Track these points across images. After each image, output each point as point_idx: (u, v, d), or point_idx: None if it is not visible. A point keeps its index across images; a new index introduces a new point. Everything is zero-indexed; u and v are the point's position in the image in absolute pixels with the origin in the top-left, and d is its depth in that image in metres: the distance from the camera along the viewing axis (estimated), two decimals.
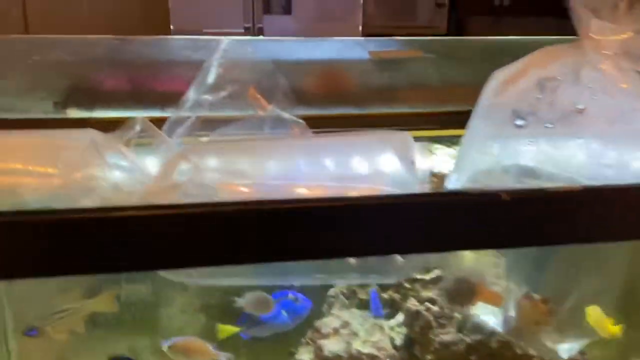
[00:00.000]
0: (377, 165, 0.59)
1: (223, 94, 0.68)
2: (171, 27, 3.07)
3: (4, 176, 0.49)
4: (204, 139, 0.68)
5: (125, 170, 0.57)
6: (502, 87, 0.59)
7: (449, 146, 0.82)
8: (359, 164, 0.59)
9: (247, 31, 3.20)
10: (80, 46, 0.84)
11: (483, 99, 0.62)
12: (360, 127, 0.73)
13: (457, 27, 3.60)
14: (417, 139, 0.62)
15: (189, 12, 3.10)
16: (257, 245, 0.44)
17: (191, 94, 0.67)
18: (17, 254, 0.40)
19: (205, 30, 3.14)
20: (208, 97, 0.68)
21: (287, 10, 3.22)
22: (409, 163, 0.60)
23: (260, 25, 3.21)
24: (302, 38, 0.77)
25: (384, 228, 0.44)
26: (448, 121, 0.83)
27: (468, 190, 0.49)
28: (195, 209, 0.43)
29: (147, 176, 0.57)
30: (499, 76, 0.62)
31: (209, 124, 0.68)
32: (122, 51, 0.88)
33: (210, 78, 0.67)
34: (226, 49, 0.66)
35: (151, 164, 0.62)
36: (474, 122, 0.64)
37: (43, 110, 0.73)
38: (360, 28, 3.31)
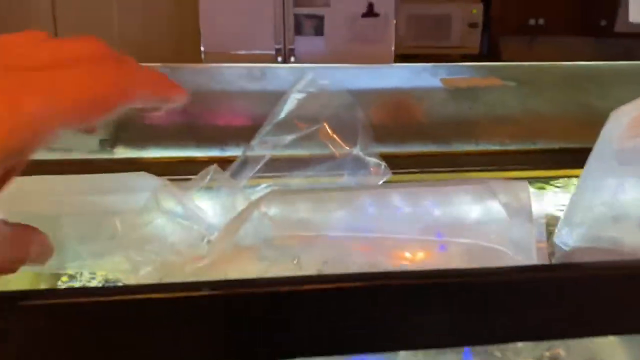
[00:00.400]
0: (488, 217, 0.50)
1: (296, 131, 0.59)
2: (202, 48, 3.03)
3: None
4: (273, 185, 0.59)
5: (188, 228, 0.48)
6: (633, 130, 0.49)
7: (541, 188, 0.72)
8: (467, 215, 0.50)
9: (278, 52, 3.14)
10: None
11: (605, 141, 0.52)
12: (443, 167, 0.63)
13: (490, 48, 3.51)
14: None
15: (220, 34, 3.06)
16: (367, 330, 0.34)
17: (262, 132, 0.58)
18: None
19: (236, 52, 3.09)
20: (280, 135, 0.59)
21: (318, 31, 3.17)
22: (525, 216, 0.50)
23: (291, 46, 3.16)
24: (365, 65, 0.68)
25: (533, 309, 0.34)
26: (539, 160, 0.73)
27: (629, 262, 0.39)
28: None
29: (216, 235, 0.48)
30: (624, 115, 0.52)
31: (280, 166, 0.59)
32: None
33: (284, 113, 0.58)
34: (304, 79, 0.58)
35: (217, 214, 0.53)
36: (594, 167, 0.54)
37: (88, 149, 0.65)
38: (393, 49, 3.24)
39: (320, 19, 3.16)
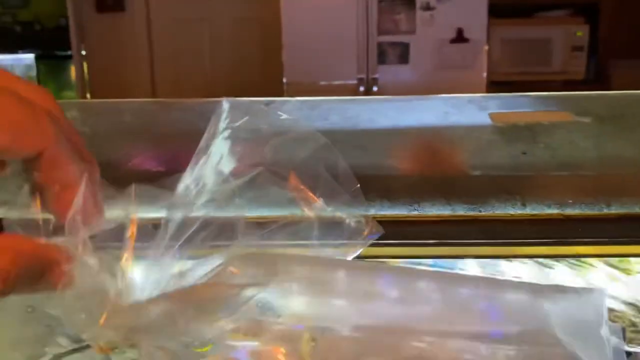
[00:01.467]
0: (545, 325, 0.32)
1: (246, 182, 0.43)
2: (284, 80, 2.96)
3: None
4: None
5: None
6: None
7: (618, 271, 0.51)
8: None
9: (361, 82, 3.01)
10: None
11: None
12: (470, 239, 0.43)
13: (597, 73, 3.20)
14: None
15: (303, 65, 2.98)
16: None
17: (192, 182, 0.42)
18: None
19: (319, 83, 3.00)
20: (222, 187, 0.43)
21: (403, 59, 3.00)
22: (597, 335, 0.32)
23: (374, 76, 3.02)
24: (384, 97, 0.50)
25: None
26: (615, 232, 0.52)
27: None
28: None
29: None
30: None
31: (224, 230, 0.43)
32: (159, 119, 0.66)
33: (223, 158, 0.42)
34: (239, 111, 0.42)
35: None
36: None
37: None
38: (485, 75, 3.01)
39: (405, 46, 3.00)
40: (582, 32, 3.15)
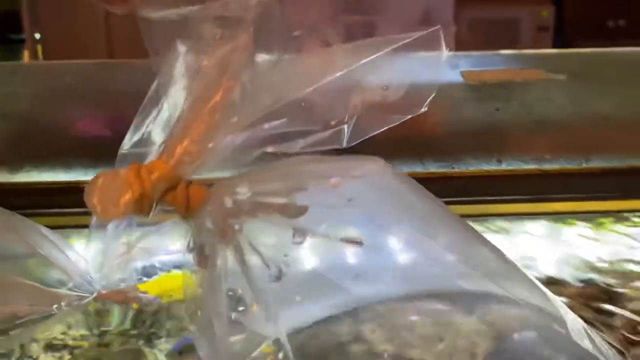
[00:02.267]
0: None
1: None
2: None
3: None
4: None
5: None
6: None
7: (601, 228, 0.48)
8: None
9: None
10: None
11: None
12: (446, 197, 0.41)
13: None
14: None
15: None
16: None
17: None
18: None
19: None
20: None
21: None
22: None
23: None
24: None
25: None
26: (596, 186, 0.49)
27: None
28: None
29: None
30: None
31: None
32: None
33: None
34: None
35: None
36: None
37: None
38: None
39: (370, 26, 2.97)
40: (547, 12, 3.16)
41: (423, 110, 0.40)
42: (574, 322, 0.33)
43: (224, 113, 0.34)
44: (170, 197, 0.31)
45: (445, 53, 0.41)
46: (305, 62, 0.39)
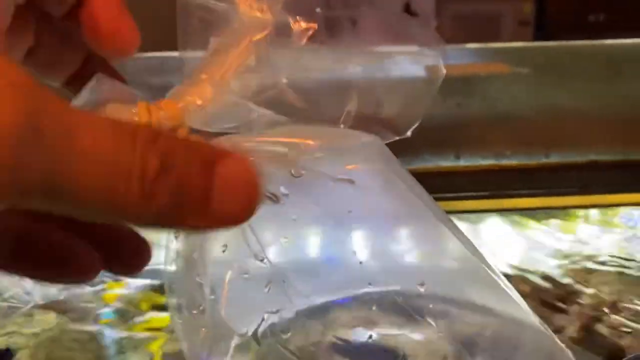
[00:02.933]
0: None
1: None
2: None
3: None
4: None
5: None
6: None
7: (565, 222, 0.47)
8: None
9: None
10: None
11: None
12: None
13: None
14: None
15: None
16: None
17: None
18: None
19: None
20: None
21: None
22: None
23: None
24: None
25: None
26: (556, 181, 0.48)
27: None
28: None
29: None
30: None
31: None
32: None
33: None
34: None
35: None
36: None
37: None
38: None
39: (351, 20, 2.95)
40: (529, 8, 3.16)
41: (407, 135, 0.39)
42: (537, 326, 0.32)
43: (238, 73, 0.33)
44: None
45: (441, 76, 0.40)
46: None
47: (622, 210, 0.47)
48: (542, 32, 3.30)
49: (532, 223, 0.48)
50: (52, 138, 0.17)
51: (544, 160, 0.47)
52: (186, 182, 0.19)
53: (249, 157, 0.21)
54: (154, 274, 0.40)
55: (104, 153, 0.18)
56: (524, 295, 0.42)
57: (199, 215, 0.19)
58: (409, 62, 0.37)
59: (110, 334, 0.40)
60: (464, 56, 0.65)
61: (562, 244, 0.46)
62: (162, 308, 0.42)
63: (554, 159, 0.47)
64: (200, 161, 0.19)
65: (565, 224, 0.47)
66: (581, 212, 0.47)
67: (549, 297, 0.41)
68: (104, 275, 0.44)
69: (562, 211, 0.47)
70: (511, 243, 0.46)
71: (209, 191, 0.19)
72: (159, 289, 0.42)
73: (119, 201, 0.18)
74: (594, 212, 0.47)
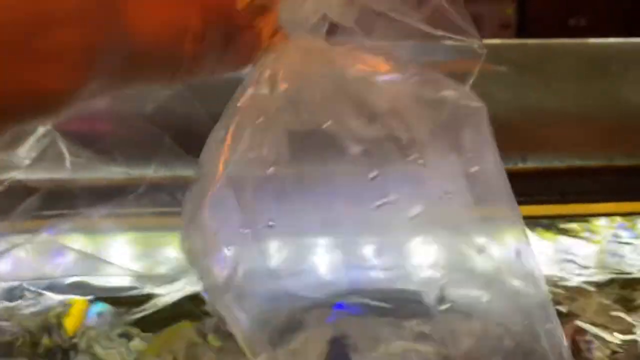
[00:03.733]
0: None
1: None
2: None
3: None
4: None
5: None
6: None
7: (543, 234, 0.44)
8: None
9: None
10: None
11: None
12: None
13: None
14: None
15: None
16: None
17: None
18: None
19: None
20: None
21: (331, 32, 2.93)
22: None
23: None
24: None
25: None
26: (534, 188, 0.45)
27: None
28: None
29: None
30: None
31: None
32: None
33: None
34: None
35: None
36: None
37: None
38: None
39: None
40: (510, 10, 3.16)
41: None
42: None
43: None
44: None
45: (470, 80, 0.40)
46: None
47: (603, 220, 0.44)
48: (523, 34, 3.29)
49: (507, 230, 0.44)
50: None
51: (520, 165, 0.44)
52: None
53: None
54: None
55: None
56: None
57: None
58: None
59: None
60: (438, 53, 0.61)
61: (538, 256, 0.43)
62: None
63: (532, 164, 0.44)
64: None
65: (541, 234, 0.43)
66: (558, 221, 0.43)
67: None
68: None
69: (536, 220, 0.43)
70: None
71: None
72: None
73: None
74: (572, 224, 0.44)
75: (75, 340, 0.37)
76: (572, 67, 0.58)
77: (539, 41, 0.60)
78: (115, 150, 0.36)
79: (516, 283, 0.34)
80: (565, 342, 0.31)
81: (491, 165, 0.37)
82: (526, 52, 0.60)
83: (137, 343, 0.37)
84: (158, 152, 0.34)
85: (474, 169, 0.34)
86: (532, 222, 0.43)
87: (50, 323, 0.37)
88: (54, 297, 0.38)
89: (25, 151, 0.35)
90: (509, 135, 0.50)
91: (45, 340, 0.36)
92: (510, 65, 0.57)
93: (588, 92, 0.53)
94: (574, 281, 0.41)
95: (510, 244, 0.34)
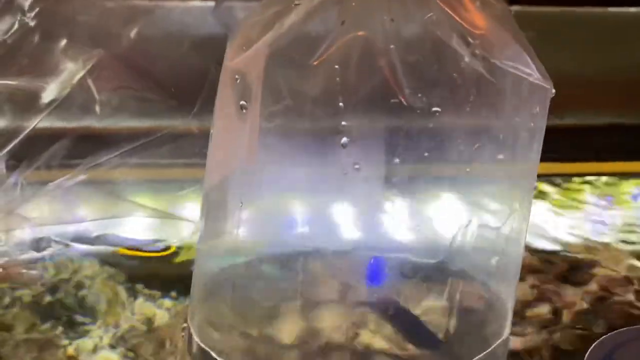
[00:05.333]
0: None
1: None
2: None
3: None
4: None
5: None
6: None
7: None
8: None
9: None
10: None
11: None
12: None
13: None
14: None
15: None
16: None
17: None
18: None
19: None
20: None
21: None
22: None
23: None
24: None
25: None
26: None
27: None
28: None
29: None
30: None
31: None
32: None
33: None
34: None
35: None
36: None
37: None
38: None
39: None
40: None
41: None
42: None
43: None
44: None
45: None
46: None
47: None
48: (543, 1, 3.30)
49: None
50: None
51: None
52: None
53: None
54: None
55: None
56: (532, 268, 0.38)
57: None
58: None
59: None
60: None
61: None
62: None
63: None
64: None
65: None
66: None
67: (558, 270, 0.37)
68: None
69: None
70: None
71: None
72: None
73: None
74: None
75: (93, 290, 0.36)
76: (591, 34, 0.58)
77: (559, 9, 0.60)
78: (153, 90, 0.35)
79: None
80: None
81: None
82: (547, 19, 0.60)
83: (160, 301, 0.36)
84: (203, 87, 0.33)
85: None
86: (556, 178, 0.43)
87: (72, 276, 0.36)
88: (80, 248, 0.38)
89: (53, 94, 0.34)
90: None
91: (66, 290, 0.35)
92: (531, 32, 0.56)
93: (607, 58, 0.53)
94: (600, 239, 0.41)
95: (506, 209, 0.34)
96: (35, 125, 0.34)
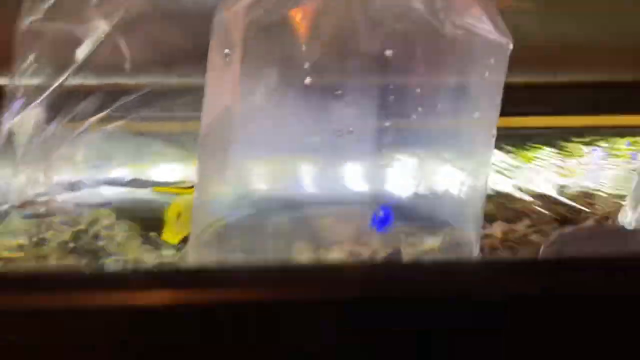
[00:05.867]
0: None
1: None
2: None
3: None
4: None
5: None
6: None
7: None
8: None
9: None
10: None
11: None
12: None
13: None
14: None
15: None
16: None
17: None
18: None
19: None
20: None
21: None
22: None
23: None
24: None
25: None
26: (563, 101, 0.46)
27: None
28: None
29: None
30: None
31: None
32: None
33: None
34: None
35: None
36: None
37: None
38: None
39: None
40: None
41: None
42: None
43: None
44: None
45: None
46: None
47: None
48: None
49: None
50: None
51: (551, 79, 0.45)
52: None
53: None
54: None
55: None
56: (530, 213, 0.41)
57: None
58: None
59: None
60: None
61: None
62: None
63: (561, 78, 0.45)
64: None
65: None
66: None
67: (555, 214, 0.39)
68: None
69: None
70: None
71: None
72: None
73: None
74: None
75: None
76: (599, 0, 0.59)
77: None
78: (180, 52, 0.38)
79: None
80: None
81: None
82: None
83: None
84: None
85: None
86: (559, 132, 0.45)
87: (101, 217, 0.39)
88: (112, 190, 0.41)
89: (84, 51, 0.37)
90: (537, 58, 0.52)
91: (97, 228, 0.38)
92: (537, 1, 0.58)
93: (615, 23, 0.54)
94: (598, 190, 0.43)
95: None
96: (68, 77, 0.37)
